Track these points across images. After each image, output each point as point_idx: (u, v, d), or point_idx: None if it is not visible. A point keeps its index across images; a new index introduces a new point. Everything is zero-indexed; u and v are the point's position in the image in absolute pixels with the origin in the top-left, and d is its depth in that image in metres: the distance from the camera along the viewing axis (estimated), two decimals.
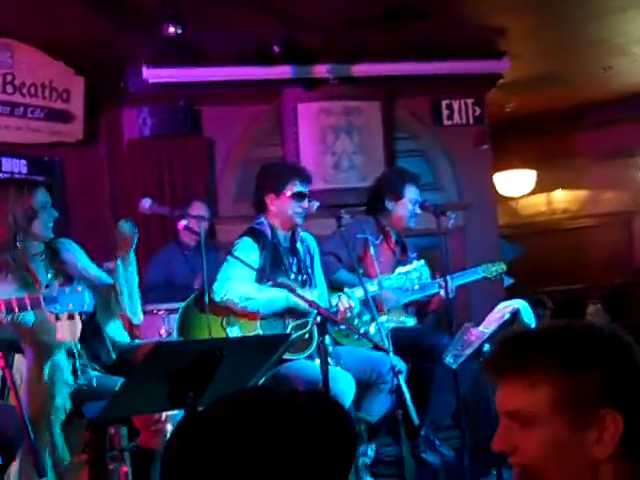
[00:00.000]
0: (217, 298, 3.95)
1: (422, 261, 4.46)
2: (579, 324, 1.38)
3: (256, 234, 4.14)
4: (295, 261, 4.20)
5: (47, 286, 3.46)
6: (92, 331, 3.61)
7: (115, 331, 3.78)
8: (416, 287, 4.40)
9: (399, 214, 4.75)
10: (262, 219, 4.19)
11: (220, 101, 6.56)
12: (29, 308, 2.96)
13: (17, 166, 5.54)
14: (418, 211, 4.75)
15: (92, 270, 3.67)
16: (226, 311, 4.01)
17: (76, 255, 3.69)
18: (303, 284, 4.15)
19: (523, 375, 1.33)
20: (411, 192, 4.74)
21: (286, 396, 1.14)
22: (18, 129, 5.74)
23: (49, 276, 3.55)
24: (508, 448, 1.35)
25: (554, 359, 1.32)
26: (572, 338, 1.35)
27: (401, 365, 3.80)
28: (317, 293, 4.08)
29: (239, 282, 3.95)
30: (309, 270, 4.24)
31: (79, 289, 3.03)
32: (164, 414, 3.23)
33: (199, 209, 5.50)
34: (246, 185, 6.60)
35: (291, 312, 4.05)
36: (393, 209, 4.74)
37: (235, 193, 6.63)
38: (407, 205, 4.73)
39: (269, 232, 4.15)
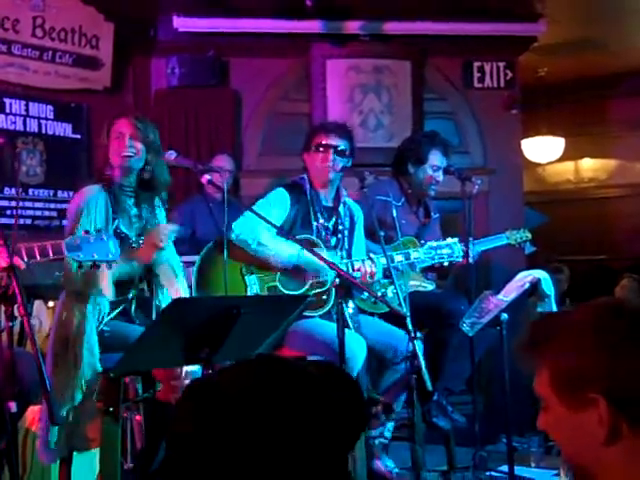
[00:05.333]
0: (233, 236, 3.95)
1: (456, 239, 4.40)
2: (581, 313, 1.38)
3: (293, 187, 4.16)
4: (333, 222, 4.19)
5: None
6: None
7: None
8: (445, 264, 4.35)
9: (419, 179, 4.70)
10: (305, 175, 4.21)
11: (249, 53, 6.50)
12: (51, 255, 2.95)
13: (44, 111, 5.53)
14: (439, 178, 4.69)
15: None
16: (246, 258, 4.02)
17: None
18: (335, 245, 4.15)
19: (533, 360, 1.38)
20: (435, 158, 4.68)
21: (299, 366, 1.12)
22: (46, 74, 5.72)
23: (139, 224, 3.61)
24: (542, 429, 1.40)
25: (548, 345, 1.36)
26: (564, 325, 1.37)
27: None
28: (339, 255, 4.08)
29: (259, 226, 3.94)
30: (346, 232, 4.23)
31: (104, 237, 3.01)
32: (185, 370, 3.25)
33: (223, 162, 5.48)
34: (272, 139, 6.60)
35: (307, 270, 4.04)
36: (414, 173, 4.70)
37: (260, 147, 6.61)
38: (428, 171, 4.67)
39: (308, 188, 4.15)
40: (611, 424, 1.29)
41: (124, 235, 3.52)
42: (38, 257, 2.91)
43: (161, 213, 3.79)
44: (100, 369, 3.28)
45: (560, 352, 1.34)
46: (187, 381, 3.28)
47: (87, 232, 2.99)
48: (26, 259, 2.88)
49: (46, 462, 3.37)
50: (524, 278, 3.98)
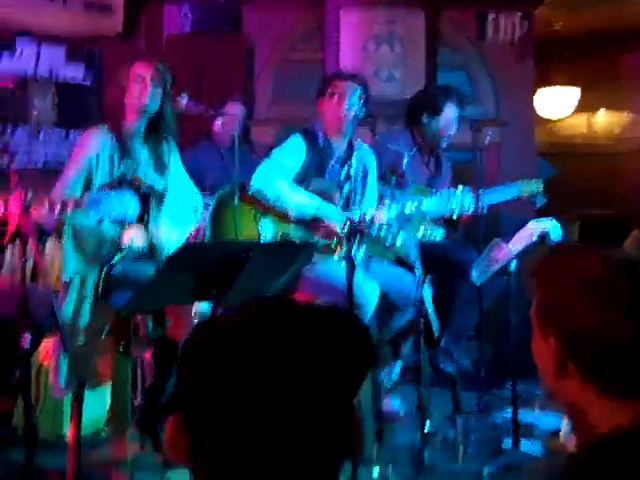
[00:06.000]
0: (251, 190, 3.99)
1: (467, 187, 4.39)
2: (589, 261, 1.41)
3: (307, 134, 4.18)
4: (346, 170, 4.21)
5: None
6: None
7: None
8: (456, 212, 4.35)
9: (432, 130, 4.70)
10: (317, 123, 4.22)
11: (262, 1, 6.45)
12: (70, 209, 2.98)
13: (56, 56, 5.51)
14: (452, 131, 4.69)
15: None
16: (261, 205, 4.05)
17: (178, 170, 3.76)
18: (348, 193, 4.17)
19: (532, 287, 1.45)
20: (450, 110, 4.67)
21: (306, 307, 1.12)
22: (58, 18, 5.69)
23: (150, 169, 3.61)
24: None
25: (543, 277, 1.43)
26: (555, 259, 1.45)
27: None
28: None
29: (277, 179, 3.97)
30: (359, 180, 4.25)
31: (124, 195, 3.04)
32: (195, 308, 3.28)
33: (235, 109, 5.47)
34: (283, 88, 6.58)
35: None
36: (428, 124, 4.69)
37: (272, 95, 6.59)
38: (442, 123, 4.67)
39: (321, 136, 4.17)
40: (559, 361, 1.36)
41: (130, 180, 3.54)
42: (58, 209, 2.95)
43: (176, 159, 3.80)
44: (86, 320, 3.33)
45: (549, 287, 1.41)
46: (197, 320, 3.32)
47: (108, 189, 3.02)
48: (47, 211, 2.92)
49: (58, 395, 3.43)
50: (534, 228, 3.98)
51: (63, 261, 3.32)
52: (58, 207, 2.95)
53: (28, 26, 5.53)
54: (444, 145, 4.77)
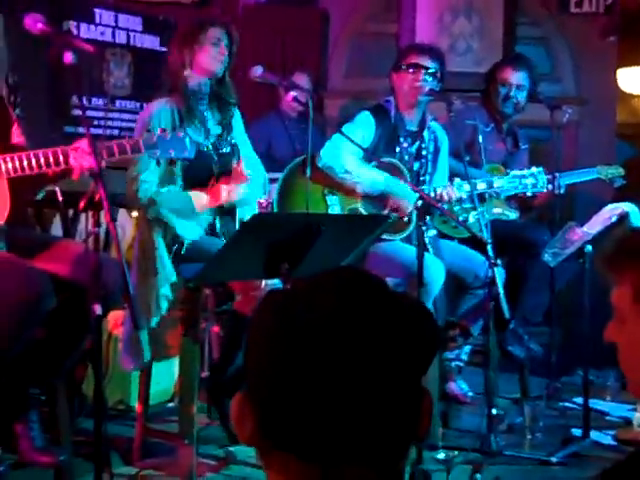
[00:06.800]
0: (320, 163, 3.96)
1: (540, 168, 4.28)
2: None
3: (378, 110, 4.14)
4: (417, 146, 4.16)
5: (219, 136, 3.60)
6: None
7: None
8: (529, 194, 4.26)
9: (491, 96, 4.61)
10: (391, 98, 4.17)
11: None
12: (129, 153, 2.96)
13: (133, 23, 5.52)
14: (515, 97, 4.56)
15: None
16: (328, 180, 4.03)
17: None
18: (418, 170, 4.13)
19: (617, 272, 1.36)
20: (507, 74, 4.58)
21: (380, 282, 1.08)
22: None
23: (218, 130, 3.63)
24: (609, 340, 1.38)
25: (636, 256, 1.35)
26: None
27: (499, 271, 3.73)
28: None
29: (346, 153, 3.94)
30: (430, 157, 4.20)
31: (180, 134, 3.02)
32: (264, 282, 3.27)
33: (302, 80, 5.44)
34: (357, 60, 6.51)
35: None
36: (491, 93, 4.62)
37: (346, 68, 6.52)
38: (500, 87, 4.57)
39: (393, 112, 4.12)
40: None
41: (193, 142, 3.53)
42: (117, 155, 2.93)
43: (238, 125, 3.77)
44: (174, 279, 3.33)
45: None
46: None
47: (164, 130, 3.00)
48: (106, 157, 2.90)
49: (129, 369, 3.44)
50: (612, 211, 3.89)
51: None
52: (117, 150, 2.93)
53: None
54: (509, 111, 4.64)
